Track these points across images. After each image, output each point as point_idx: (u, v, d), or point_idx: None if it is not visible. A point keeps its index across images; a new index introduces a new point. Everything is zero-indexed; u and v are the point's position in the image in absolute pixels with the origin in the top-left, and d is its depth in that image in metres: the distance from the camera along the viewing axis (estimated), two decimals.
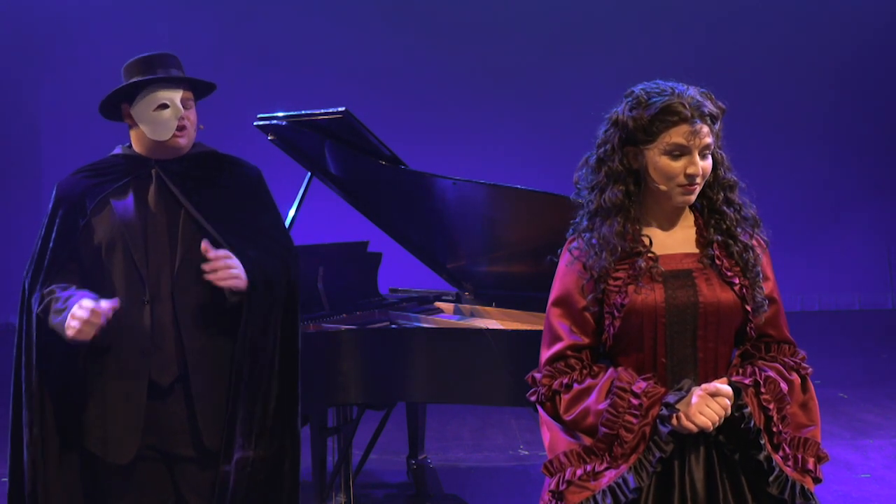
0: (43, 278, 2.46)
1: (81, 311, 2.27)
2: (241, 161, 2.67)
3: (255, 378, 2.48)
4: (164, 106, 2.48)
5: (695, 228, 1.96)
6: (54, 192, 2.54)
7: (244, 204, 2.58)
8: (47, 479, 2.47)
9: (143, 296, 2.44)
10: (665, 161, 1.86)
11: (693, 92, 1.87)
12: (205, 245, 2.35)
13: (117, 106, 2.55)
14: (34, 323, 2.46)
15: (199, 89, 2.60)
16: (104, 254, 2.46)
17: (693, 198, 1.90)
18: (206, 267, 2.36)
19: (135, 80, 2.49)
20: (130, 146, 2.59)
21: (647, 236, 1.92)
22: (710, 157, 1.89)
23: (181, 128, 2.50)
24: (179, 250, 2.47)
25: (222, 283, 2.39)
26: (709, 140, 1.86)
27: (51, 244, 2.48)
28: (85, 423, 2.46)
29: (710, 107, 1.86)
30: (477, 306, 4.03)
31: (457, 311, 4.10)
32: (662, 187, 1.88)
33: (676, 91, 1.86)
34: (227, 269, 2.38)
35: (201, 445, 2.47)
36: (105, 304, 2.30)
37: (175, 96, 2.50)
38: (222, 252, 2.39)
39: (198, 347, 2.46)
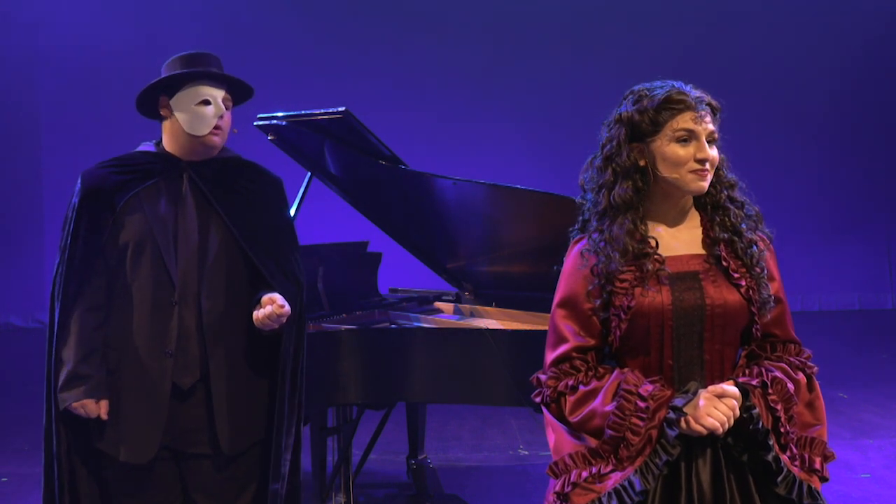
0: (76, 283, 2.44)
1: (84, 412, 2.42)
2: (264, 169, 2.68)
3: (293, 394, 2.54)
4: (207, 102, 2.49)
5: (700, 229, 1.96)
6: (79, 184, 2.50)
7: (266, 214, 2.59)
8: (69, 479, 2.48)
9: (171, 297, 2.44)
10: (674, 148, 1.88)
11: (690, 86, 1.92)
12: (280, 302, 2.41)
13: (155, 100, 2.53)
14: (56, 322, 2.46)
15: (236, 95, 2.60)
16: (131, 253, 2.45)
17: (706, 184, 1.90)
18: (265, 316, 2.40)
19: (182, 71, 2.49)
20: (160, 143, 2.58)
21: (654, 238, 1.92)
22: (714, 147, 1.90)
23: (217, 127, 2.50)
24: (209, 254, 2.47)
25: (269, 328, 2.44)
26: (713, 127, 1.89)
27: (79, 242, 2.45)
28: (101, 422, 2.45)
29: (709, 98, 1.91)
30: (477, 306, 4.03)
31: (457, 311, 4.10)
32: (674, 176, 1.88)
33: (676, 84, 1.91)
34: (283, 317, 2.42)
35: (217, 447, 2.48)
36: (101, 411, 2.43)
37: (218, 95, 2.51)
38: (281, 297, 2.43)
39: (221, 351, 2.47)
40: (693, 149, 1.87)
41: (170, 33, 9.15)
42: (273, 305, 2.40)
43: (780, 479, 1.81)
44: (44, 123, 9.96)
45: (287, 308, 2.42)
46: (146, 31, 9.43)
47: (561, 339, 1.94)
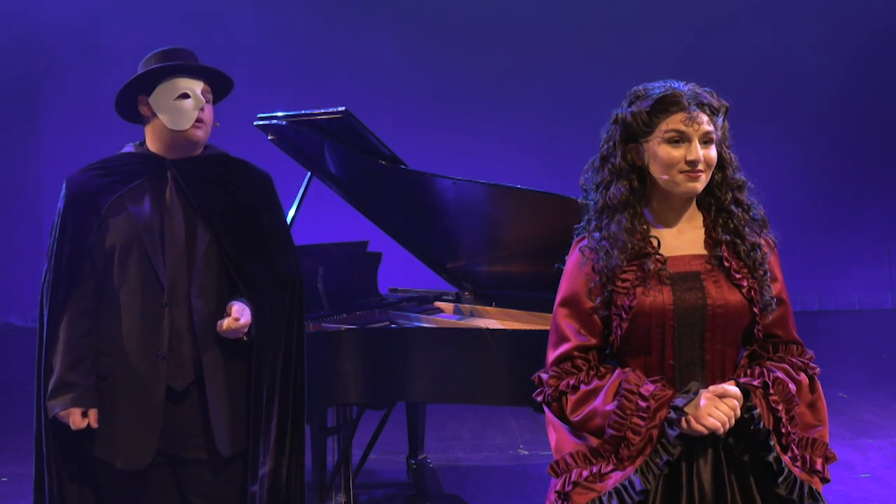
0: (65, 289, 2.42)
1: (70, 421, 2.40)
2: (252, 166, 2.64)
3: (271, 397, 2.50)
4: (185, 95, 2.45)
5: (703, 229, 1.96)
6: (64, 189, 2.48)
7: (253, 212, 2.56)
8: (61, 486, 2.46)
9: (160, 298, 2.42)
10: (665, 149, 1.87)
11: (691, 85, 1.90)
12: (235, 314, 2.42)
13: (134, 100, 2.50)
14: (45, 328, 2.44)
15: (217, 88, 2.57)
16: (118, 255, 2.42)
17: (700, 185, 1.89)
18: (224, 329, 2.42)
19: (157, 66, 2.45)
20: (143, 144, 2.55)
21: (656, 237, 1.92)
22: (713, 147, 1.89)
23: (199, 120, 2.46)
24: (198, 254, 2.45)
25: (235, 337, 2.46)
26: (708, 128, 1.87)
27: (66, 247, 2.43)
28: (95, 430, 2.43)
29: (708, 98, 1.89)
30: (477, 306, 4.03)
31: (457, 311, 4.09)
32: (665, 177, 1.88)
33: (673, 84, 1.90)
34: (239, 330, 2.43)
35: (214, 450, 2.46)
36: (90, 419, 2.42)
37: (196, 87, 2.47)
38: (238, 308, 2.43)
39: (213, 351, 2.45)
40: (685, 150, 1.86)
41: (170, 35, 9.14)
42: (228, 319, 2.41)
43: (780, 479, 1.81)
44: (43, 123, 9.96)
45: (243, 320, 2.41)
46: (146, 30, 9.42)
47: (562, 338, 1.94)
